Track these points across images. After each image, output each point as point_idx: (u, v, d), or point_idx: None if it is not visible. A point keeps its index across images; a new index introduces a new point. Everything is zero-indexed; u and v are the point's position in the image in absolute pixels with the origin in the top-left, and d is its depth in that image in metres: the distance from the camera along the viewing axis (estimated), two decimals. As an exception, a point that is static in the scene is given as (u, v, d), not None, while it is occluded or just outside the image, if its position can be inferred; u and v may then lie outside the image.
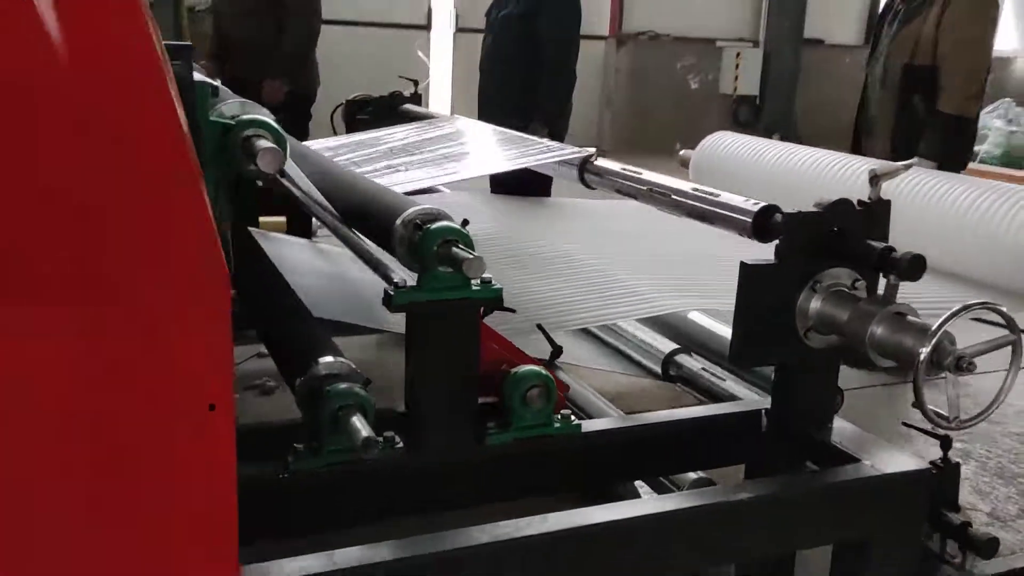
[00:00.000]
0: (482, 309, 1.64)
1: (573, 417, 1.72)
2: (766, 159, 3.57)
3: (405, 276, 1.57)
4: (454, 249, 1.49)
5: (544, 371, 1.67)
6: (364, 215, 1.85)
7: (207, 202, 1.05)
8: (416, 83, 4.33)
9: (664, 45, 11.20)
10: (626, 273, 2.56)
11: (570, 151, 2.58)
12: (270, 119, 1.42)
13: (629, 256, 2.76)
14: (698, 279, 2.71)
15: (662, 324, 2.60)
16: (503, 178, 3.80)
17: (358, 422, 1.46)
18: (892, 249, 1.60)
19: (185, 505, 1.06)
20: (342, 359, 1.63)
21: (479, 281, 1.56)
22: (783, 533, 1.57)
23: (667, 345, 2.74)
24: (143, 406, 1.00)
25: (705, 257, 2.95)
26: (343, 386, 1.54)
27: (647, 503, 1.51)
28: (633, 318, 2.27)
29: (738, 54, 11.22)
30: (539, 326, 1.75)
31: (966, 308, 1.48)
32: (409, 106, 4.07)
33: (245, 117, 1.40)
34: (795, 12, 11.30)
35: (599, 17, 10.47)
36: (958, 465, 1.88)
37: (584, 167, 2.51)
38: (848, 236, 1.67)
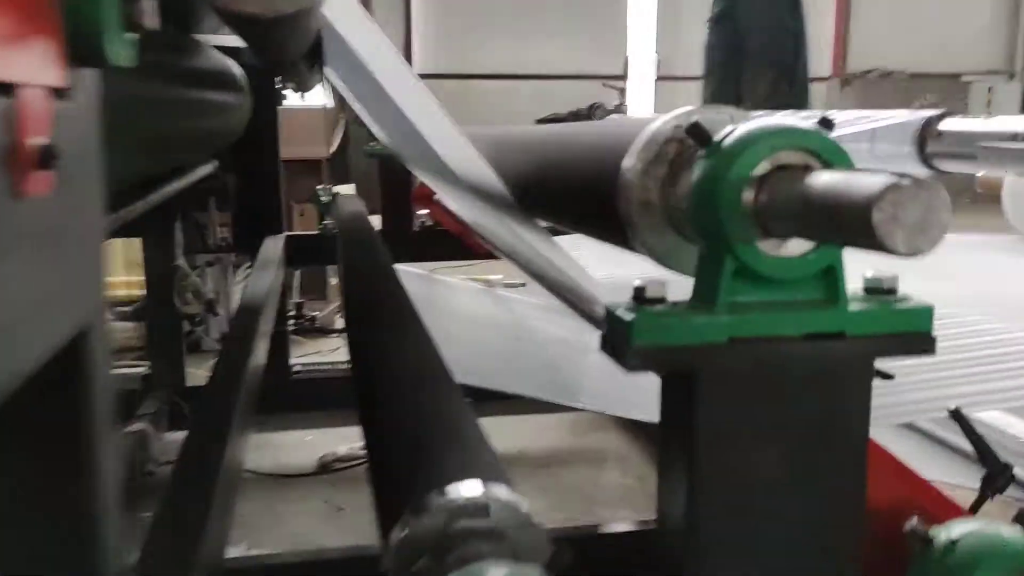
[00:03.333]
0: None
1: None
2: None
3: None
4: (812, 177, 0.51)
5: None
6: (567, 174, 0.91)
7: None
8: (622, 91, 3.40)
9: (897, 83, 9.79)
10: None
11: (899, 115, 1.54)
12: None
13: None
14: None
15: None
16: None
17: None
18: None
19: None
20: (494, 487, 0.67)
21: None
22: None
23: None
24: None
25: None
26: (485, 549, 0.58)
27: None
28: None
29: (989, 89, 9.64)
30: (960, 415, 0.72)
31: None
32: (616, 116, 3.12)
33: None
34: (1058, 38, 9.65)
35: (819, 56, 9.31)
36: None
37: (925, 134, 1.46)
38: None
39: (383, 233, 3.03)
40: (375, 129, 2.14)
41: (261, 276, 2.09)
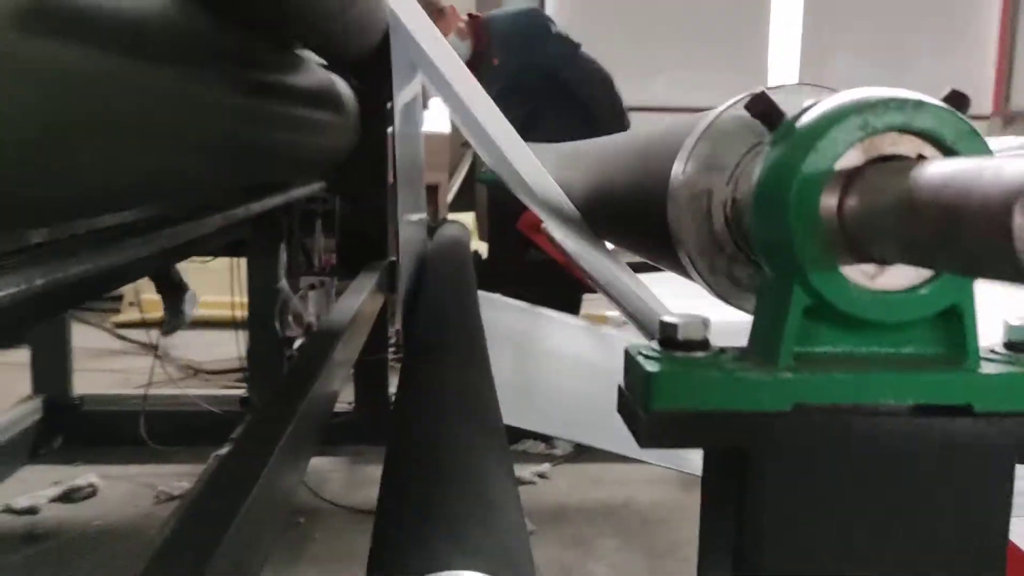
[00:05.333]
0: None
1: None
2: None
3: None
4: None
5: None
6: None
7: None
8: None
9: (1066, 123, 9.08)
10: None
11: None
12: None
13: None
14: None
15: None
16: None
17: None
18: None
19: None
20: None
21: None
22: None
23: None
24: None
25: None
26: None
27: None
28: None
29: None
30: None
31: None
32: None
33: None
34: None
35: (979, 93, 8.71)
36: None
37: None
38: None
39: (488, 263, 2.91)
40: (477, 147, 2.04)
41: (349, 301, 2.00)
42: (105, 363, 3.54)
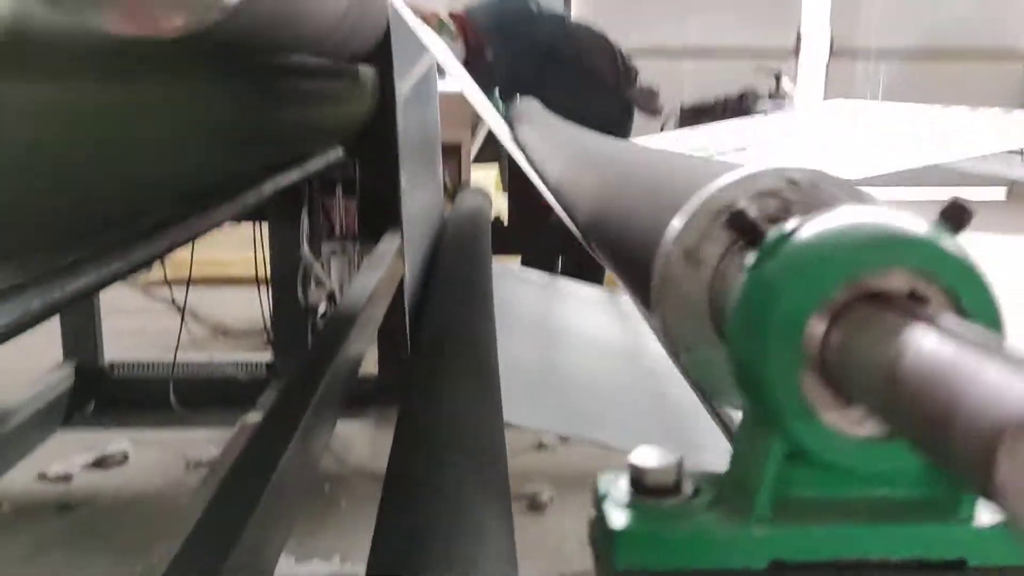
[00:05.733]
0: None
1: None
2: None
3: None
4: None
5: None
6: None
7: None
8: (778, 77, 3.11)
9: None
10: None
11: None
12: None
13: None
14: None
15: None
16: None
17: None
18: None
19: None
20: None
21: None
22: None
23: None
24: None
25: None
26: None
27: None
28: None
29: None
30: None
31: None
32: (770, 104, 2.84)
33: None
34: None
35: (1015, 31, 8.38)
36: None
37: None
38: None
39: (508, 228, 2.87)
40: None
41: (371, 267, 2.00)
42: (133, 321, 3.57)
